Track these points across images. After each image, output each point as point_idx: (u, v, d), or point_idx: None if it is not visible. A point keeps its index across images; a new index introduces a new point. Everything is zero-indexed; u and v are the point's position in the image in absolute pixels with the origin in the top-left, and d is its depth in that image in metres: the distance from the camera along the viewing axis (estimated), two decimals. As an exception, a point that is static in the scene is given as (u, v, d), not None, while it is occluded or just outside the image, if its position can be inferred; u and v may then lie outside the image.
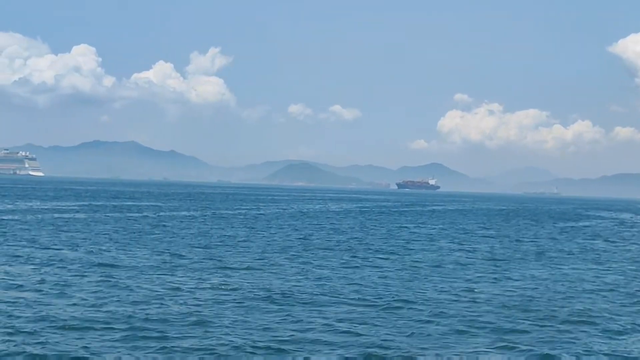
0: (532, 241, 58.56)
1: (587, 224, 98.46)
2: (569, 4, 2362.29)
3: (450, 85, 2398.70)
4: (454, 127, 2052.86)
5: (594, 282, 33.65)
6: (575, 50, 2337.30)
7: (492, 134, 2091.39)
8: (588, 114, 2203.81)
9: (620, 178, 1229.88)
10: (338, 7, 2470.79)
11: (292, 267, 34.92)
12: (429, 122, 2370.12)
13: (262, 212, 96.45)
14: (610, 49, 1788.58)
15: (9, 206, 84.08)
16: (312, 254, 41.42)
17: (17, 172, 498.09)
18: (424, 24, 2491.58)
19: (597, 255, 47.66)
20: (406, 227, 73.24)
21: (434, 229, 72.05)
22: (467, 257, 42.64)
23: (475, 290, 29.36)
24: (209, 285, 28.19)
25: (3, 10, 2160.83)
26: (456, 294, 28.18)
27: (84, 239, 45.61)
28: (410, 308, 24.79)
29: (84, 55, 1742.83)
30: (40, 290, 25.71)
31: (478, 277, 33.71)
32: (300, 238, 52.58)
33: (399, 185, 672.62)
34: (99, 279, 28.81)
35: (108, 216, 71.89)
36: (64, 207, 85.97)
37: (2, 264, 32.14)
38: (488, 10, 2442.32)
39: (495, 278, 33.52)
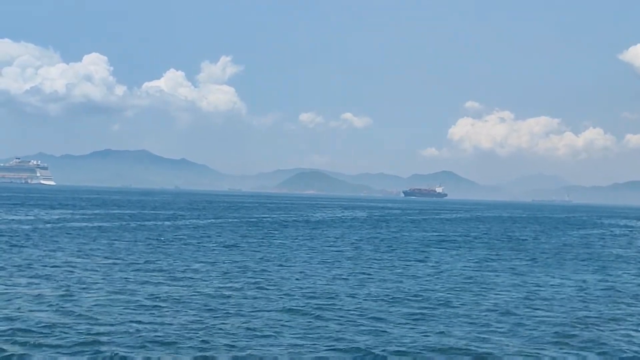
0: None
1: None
2: (580, 11, 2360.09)
3: (461, 93, 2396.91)
4: (465, 134, 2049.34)
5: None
6: (586, 58, 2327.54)
7: (503, 142, 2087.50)
8: (599, 121, 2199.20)
9: (632, 185, 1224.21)
10: (349, 16, 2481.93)
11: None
12: (440, 129, 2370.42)
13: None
14: (621, 57, 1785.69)
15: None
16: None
17: (29, 181, 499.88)
18: (435, 32, 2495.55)
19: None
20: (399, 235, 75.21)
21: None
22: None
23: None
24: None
25: (15, 21, 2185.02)
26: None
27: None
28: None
29: (95, 64, 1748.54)
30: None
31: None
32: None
33: (406, 193, 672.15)
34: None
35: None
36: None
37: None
38: (498, 18, 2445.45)
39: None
